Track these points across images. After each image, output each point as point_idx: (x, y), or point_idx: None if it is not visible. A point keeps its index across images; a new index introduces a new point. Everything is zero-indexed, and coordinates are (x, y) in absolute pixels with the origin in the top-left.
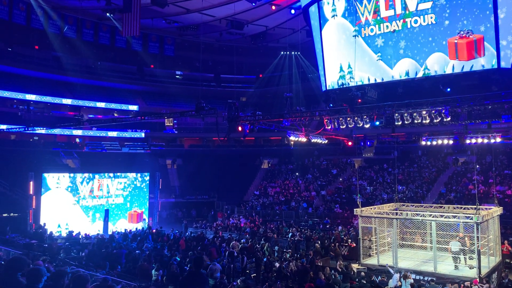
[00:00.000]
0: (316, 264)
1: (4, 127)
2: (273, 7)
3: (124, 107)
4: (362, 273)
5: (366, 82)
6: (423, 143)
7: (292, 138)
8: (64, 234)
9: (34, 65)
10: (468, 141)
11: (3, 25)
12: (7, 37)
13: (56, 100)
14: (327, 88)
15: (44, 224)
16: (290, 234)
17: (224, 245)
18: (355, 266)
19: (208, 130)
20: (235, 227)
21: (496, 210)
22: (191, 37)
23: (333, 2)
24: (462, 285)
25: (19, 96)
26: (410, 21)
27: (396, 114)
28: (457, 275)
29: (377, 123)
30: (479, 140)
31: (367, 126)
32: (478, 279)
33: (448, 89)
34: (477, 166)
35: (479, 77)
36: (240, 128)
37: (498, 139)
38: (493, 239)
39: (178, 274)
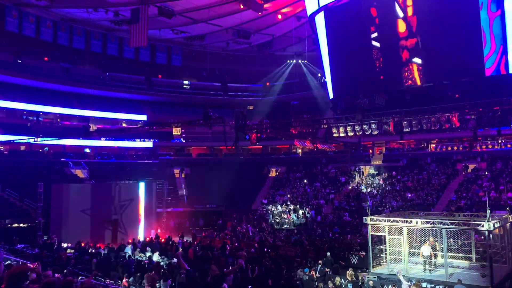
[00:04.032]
0: (326, 273)
1: (13, 138)
2: (279, 16)
3: (132, 117)
4: (371, 282)
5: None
6: (432, 149)
7: (299, 146)
8: (73, 244)
9: (43, 77)
10: (477, 148)
11: (13, 38)
12: (17, 49)
13: (65, 110)
14: (334, 95)
15: (54, 234)
16: (299, 242)
17: (232, 254)
18: (365, 275)
19: (215, 139)
20: (243, 236)
21: (508, 218)
22: (198, 47)
23: None
24: None
25: (29, 107)
26: None
27: (405, 122)
28: (469, 284)
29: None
30: (489, 147)
31: (375, 133)
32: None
33: (457, 95)
34: (487, 172)
35: (488, 83)
36: (247, 137)
37: (509, 145)
38: (505, 247)
39: (186, 283)
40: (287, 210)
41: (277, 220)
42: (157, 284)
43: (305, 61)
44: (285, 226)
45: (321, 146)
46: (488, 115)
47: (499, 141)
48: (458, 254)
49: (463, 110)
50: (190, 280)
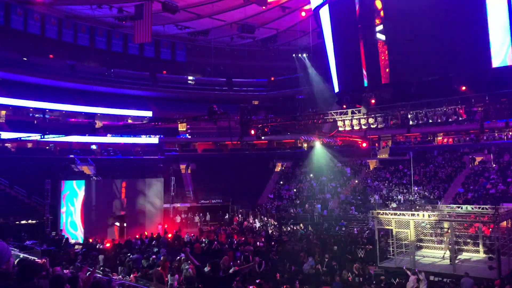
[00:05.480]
0: (333, 267)
1: (20, 135)
2: (284, 10)
3: (138, 113)
4: (382, 277)
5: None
6: (439, 142)
7: (305, 140)
8: (81, 240)
9: (49, 74)
10: (484, 140)
11: (18, 36)
12: (23, 48)
13: (71, 107)
14: (340, 89)
15: (61, 230)
16: (305, 237)
17: (240, 249)
18: (372, 269)
19: (221, 134)
20: (250, 230)
21: None
22: (203, 42)
23: None
24: (482, 286)
25: (35, 104)
26: None
27: (410, 114)
28: (477, 276)
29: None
30: (496, 139)
31: (381, 126)
32: (499, 280)
33: (463, 88)
34: (495, 165)
35: (494, 75)
36: (253, 132)
37: None
38: None
39: (194, 278)
40: (293, 204)
41: (283, 214)
42: (166, 279)
43: (310, 55)
44: (291, 220)
45: (327, 140)
46: (496, 107)
47: (507, 133)
48: (466, 247)
49: (470, 102)
50: (201, 275)
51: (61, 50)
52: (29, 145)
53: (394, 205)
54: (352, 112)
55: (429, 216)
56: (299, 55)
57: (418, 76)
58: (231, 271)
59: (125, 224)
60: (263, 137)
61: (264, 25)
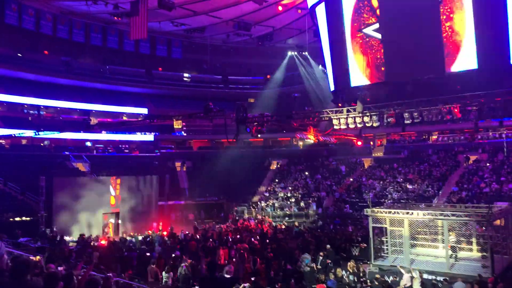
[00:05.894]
0: (327, 265)
1: (15, 132)
2: (280, 8)
3: (133, 110)
4: (377, 276)
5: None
6: (434, 141)
7: (300, 138)
8: (75, 238)
9: (44, 70)
10: (479, 139)
11: (13, 31)
12: (17, 43)
13: (66, 104)
14: (335, 87)
15: (56, 227)
16: (299, 235)
17: (234, 246)
18: (366, 267)
19: (216, 132)
20: (245, 228)
21: (509, 209)
22: (199, 39)
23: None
24: (475, 285)
25: (29, 101)
26: None
27: (406, 113)
28: (470, 275)
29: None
30: (491, 138)
31: (376, 125)
32: (493, 278)
33: (458, 86)
34: (489, 164)
35: (490, 74)
36: (248, 130)
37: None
38: (507, 238)
39: (189, 276)
40: (288, 203)
41: (278, 212)
42: (160, 276)
43: (306, 53)
44: (286, 218)
45: (322, 138)
46: (490, 106)
47: (501, 133)
48: (459, 245)
49: (465, 101)
50: (198, 275)
51: (56, 46)
52: (23, 141)
53: (388, 202)
54: (348, 111)
55: (423, 214)
56: (295, 53)
57: (413, 75)
58: (226, 268)
59: (119, 222)
60: (258, 135)
61: (260, 22)
